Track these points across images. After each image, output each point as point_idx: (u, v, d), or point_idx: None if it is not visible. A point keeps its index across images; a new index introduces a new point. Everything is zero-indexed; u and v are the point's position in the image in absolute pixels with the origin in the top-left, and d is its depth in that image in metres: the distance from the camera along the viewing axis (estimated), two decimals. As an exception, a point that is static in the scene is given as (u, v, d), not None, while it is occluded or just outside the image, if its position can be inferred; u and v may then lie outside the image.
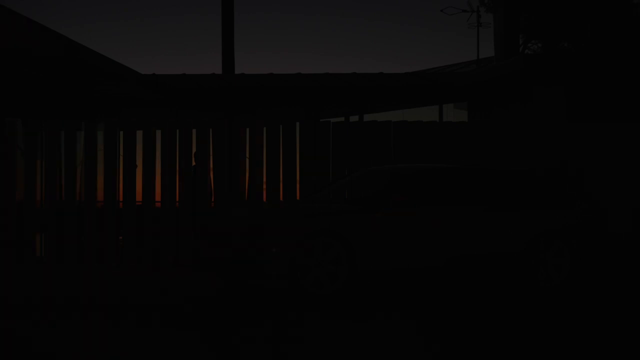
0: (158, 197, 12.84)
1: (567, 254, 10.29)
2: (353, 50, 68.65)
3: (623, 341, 7.29)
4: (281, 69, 62.91)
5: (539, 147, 13.64)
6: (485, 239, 9.96)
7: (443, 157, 13.34)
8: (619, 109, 16.32)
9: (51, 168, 12.52)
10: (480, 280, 10.65)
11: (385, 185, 10.11)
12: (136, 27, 67.53)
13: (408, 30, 67.35)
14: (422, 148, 13.28)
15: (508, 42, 22.11)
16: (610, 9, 21.98)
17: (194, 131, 12.97)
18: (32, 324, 7.67)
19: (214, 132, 12.99)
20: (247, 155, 13.13)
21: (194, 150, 12.99)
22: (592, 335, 7.53)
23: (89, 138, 12.64)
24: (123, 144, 12.80)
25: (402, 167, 10.85)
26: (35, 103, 16.43)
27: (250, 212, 10.26)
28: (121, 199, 12.85)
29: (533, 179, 10.71)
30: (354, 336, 7.20)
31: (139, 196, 12.77)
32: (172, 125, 12.88)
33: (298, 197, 12.99)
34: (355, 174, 11.55)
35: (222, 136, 12.95)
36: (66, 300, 9.16)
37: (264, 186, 13.03)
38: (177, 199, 12.82)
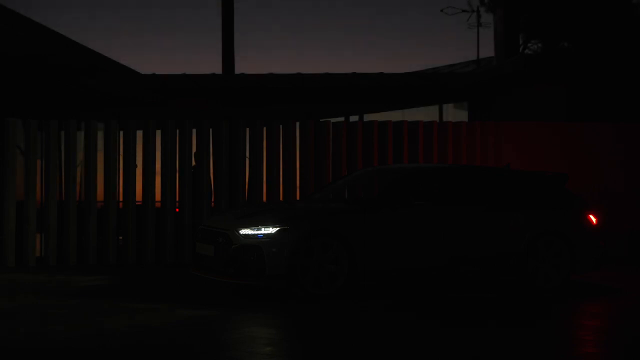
0: (158, 197, 12.84)
1: (566, 254, 10.27)
2: (353, 50, 68.66)
3: (622, 341, 7.29)
4: (281, 69, 62.94)
5: (539, 147, 13.63)
6: (485, 238, 9.95)
7: (443, 157, 13.33)
8: (619, 109, 16.33)
9: (51, 168, 12.50)
10: (480, 280, 10.62)
11: (385, 185, 10.10)
12: (136, 27, 67.52)
13: (408, 30, 67.37)
14: (422, 148, 13.27)
15: (508, 42, 22.12)
16: (610, 9, 21.99)
17: (194, 131, 12.96)
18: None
19: (214, 132, 12.99)
20: (247, 155, 13.12)
21: (194, 150, 12.98)
22: (593, 336, 7.54)
23: (89, 138, 12.63)
24: (123, 144, 12.80)
25: (402, 167, 10.84)
26: (35, 103, 16.44)
27: (250, 212, 10.24)
28: (121, 199, 12.85)
29: (533, 178, 10.70)
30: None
31: (139, 196, 12.77)
32: (172, 125, 12.87)
33: (298, 197, 12.98)
34: (355, 174, 11.54)
35: (222, 136, 12.94)
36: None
37: (264, 186, 13.03)
38: (177, 199, 12.81)
